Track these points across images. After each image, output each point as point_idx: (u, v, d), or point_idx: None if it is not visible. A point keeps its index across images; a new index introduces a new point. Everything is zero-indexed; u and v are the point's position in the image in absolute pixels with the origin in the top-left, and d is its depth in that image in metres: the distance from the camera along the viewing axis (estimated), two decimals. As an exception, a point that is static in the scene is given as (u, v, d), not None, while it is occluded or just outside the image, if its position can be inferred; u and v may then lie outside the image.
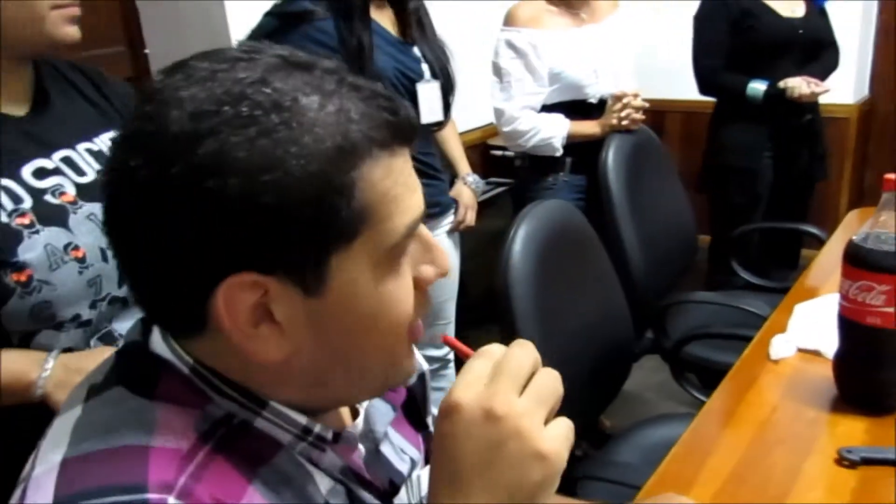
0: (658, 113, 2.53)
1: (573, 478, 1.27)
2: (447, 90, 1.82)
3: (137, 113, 0.49)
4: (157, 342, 0.54)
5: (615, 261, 1.64)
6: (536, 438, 0.50)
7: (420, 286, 0.55)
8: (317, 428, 0.55)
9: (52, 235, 0.92)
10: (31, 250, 0.90)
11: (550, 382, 0.53)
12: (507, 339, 1.28)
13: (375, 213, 0.50)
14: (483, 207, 2.07)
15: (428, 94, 1.74)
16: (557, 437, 0.52)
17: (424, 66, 1.75)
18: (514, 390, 0.52)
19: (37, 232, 0.92)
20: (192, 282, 0.49)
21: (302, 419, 0.54)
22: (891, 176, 1.07)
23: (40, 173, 0.96)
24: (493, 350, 0.55)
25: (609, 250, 1.62)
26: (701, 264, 2.49)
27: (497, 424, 0.50)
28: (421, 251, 0.55)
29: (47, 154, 0.98)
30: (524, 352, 0.54)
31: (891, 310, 1.08)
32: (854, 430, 1.10)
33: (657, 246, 1.90)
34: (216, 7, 2.19)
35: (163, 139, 0.47)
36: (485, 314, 1.37)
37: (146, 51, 2.26)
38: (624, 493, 1.09)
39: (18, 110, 0.98)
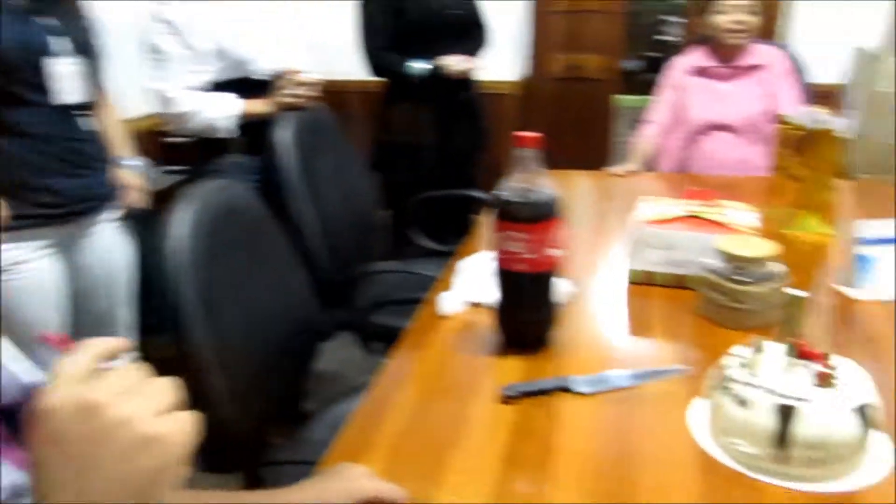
0: (336, 93, 2.55)
1: (262, 466, 1.22)
2: (94, 68, 1.63)
3: None
4: None
5: (294, 241, 1.60)
6: (143, 423, 0.47)
7: None
8: None
9: None
10: None
11: (164, 384, 0.50)
12: (173, 337, 1.17)
13: None
14: (163, 199, 1.89)
15: (63, 71, 1.53)
16: (169, 422, 0.48)
17: (60, 40, 1.53)
18: (119, 383, 0.48)
19: None
20: None
21: None
22: (519, 133, 1.17)
23: None
24: (94, 343, 0.50)
25: (288, 231, 1.58)
26: (384, 237, 2.57)
27: (99, 416, 0.46)
28: None
29: None
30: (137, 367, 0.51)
31: (533, 256, 1.18)
32: (516, 370, 1.19)
33: (337, 223, 1.91)
34: None
35: None
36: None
37: None
38: (313, 471, 1.06)
39: None
